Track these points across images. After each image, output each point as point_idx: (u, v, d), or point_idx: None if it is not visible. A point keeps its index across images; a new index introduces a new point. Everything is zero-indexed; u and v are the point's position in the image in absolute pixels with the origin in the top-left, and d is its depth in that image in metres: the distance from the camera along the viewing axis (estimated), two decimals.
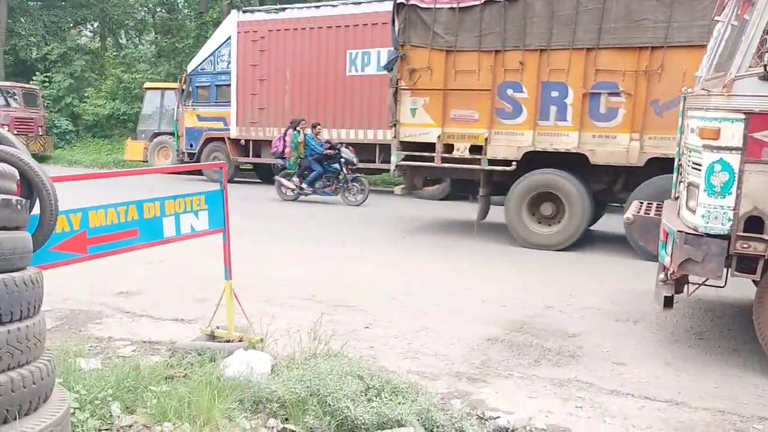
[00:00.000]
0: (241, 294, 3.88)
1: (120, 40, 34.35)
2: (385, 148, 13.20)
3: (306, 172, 12.36)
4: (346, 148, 12.47)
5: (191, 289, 5.27)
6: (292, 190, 12.50)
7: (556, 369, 3.77)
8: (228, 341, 3.75)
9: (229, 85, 15.58)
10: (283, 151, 12.49)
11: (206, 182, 15.04)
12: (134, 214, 3.23)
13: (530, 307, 5.08)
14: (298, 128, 12.41)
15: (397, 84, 8.36)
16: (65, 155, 23.17)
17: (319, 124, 12.91)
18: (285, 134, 12.54)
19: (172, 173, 16.25)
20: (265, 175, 16.50)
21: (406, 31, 8.26)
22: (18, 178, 2.53)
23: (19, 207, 2.35)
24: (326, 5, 14.79)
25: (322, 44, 14.34)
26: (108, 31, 33.45)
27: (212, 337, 3.87)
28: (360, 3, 14.13)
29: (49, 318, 4.51)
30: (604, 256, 7.48)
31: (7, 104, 21.63)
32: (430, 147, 8.32)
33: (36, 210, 2.64)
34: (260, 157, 15.46)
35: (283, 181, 12.63)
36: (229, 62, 15.55)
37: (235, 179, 15.61)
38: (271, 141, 14.17)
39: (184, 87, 16.69)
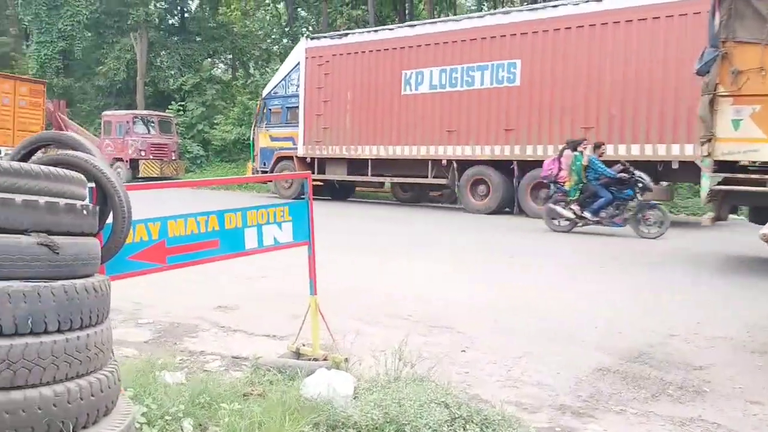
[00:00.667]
0: (339, 310, 3.72)
1: (249, 70, 36.13)
2: (437, 165, 14.37)
3: (589, 199, 10.56)
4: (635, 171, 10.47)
5: (288, 304, 5.17)
6: (571, 219, 10.70)
7: (678, 406, 3.28)
8: (314, 359, 3.58)
9: (297, 107, 16.61)
10: (557, 174, 10.73)
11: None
12: (215, 225, 3.15)
13: (650, 334, 4.56)
14: (578, 149, 10.63)
15: (714, 90, 6.98)
16: (195, 178, 24.46)
17: (603, 144, 11.15)
18: (560, 155, 10.85)
19: (247, 182, 17.12)
20: (334, 192, 17.53)
21: (730, 25, 6.88)
22: (88, 183, 2.49)
23: (85, 212, 2.29)
24: (384, 29, 15.76)
25: (380, 66, 15.04)
26: (238, 62, 35.27)
27: (297, 354, 3.72)
28: (414, 26, 15.14)
29: (149, 330, 4.57)
30: (740, 278, 6.70)
31: (147, 131, 23.20)
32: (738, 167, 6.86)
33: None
34: (324, 173, 16.20)
35: (558, 209, 10.78)
36: (298, 86, 16.67)
37: (302, 196, 16.06)
38: (333, 159, 15.49)
39: (259, 110, 17.99)
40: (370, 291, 5.78)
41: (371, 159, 15.58)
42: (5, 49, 38.47)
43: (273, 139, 17.61)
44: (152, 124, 23.59)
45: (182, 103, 28.82)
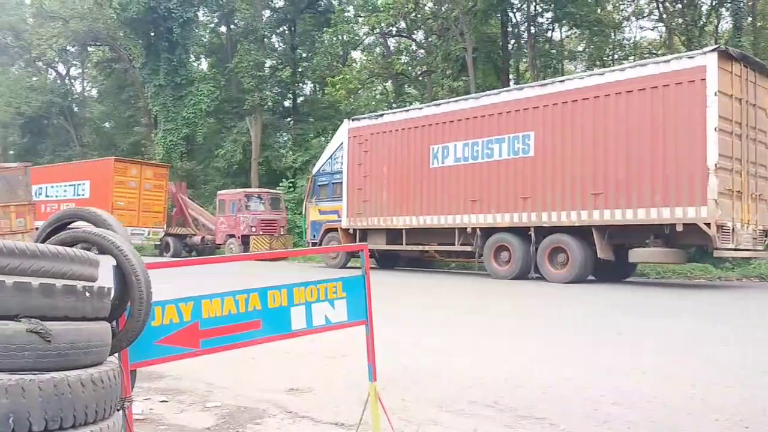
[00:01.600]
0: (418, 394, 3.31)
1: None
2: (463, 233, 15.16)
3: None
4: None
5: (365, 389, 4.80)
6: None
7: None
8: None
9: (341, 182, 18.00)
10: None
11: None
12: (256, 303, 2.87)
13: None
14: None
15: None
16: None
17: None
18: None
19: (298, 255, 17.83)
20: (379, 261, 18.41)
21: None
22: (97, 262, 2.30)
23: (87, 294, 2.08)
24: (413, 108, 17.39)
25: (411, 142, 16.26)
26: None
27: None
28: (440, 104, 16.45)
29: (214, 415, 4.32)
30: None
31: (258, 208, 24.06)
32: None
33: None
34: (367, 243, 16.38)
35: None
36: (342, 163, 18.07)
37: (348, 266, 17.62)
38: (373, 229, 16.95)
39: (310, 186, 19.62)
40: (450, 372, 5.28)
41: (405, 229, 16.53)
42: (138, 138, 41.91)
43: (321, 212, 19.05)
44: (263, 201, 24.47)
45: (293, 180, 29.84)
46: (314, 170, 19.91)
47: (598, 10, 25.39)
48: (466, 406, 4.35)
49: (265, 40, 36.32)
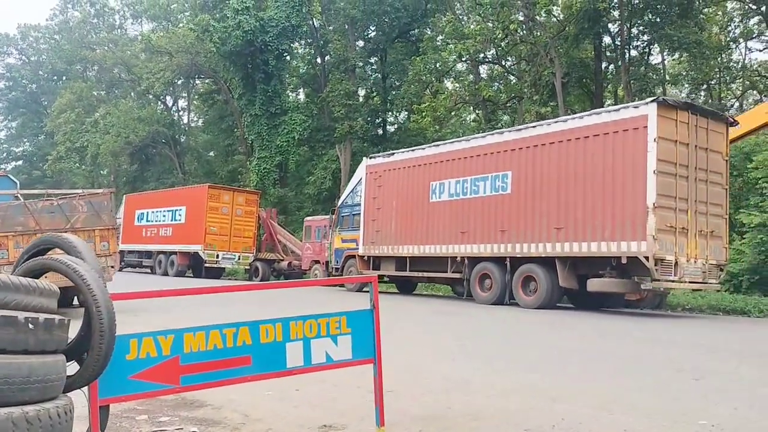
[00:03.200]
0: None
1: None
2: (455, 261, 16.77)
3: None
4: None
5: (405, 430, 4.52)
6: None
7: None
8: None
9: (359, 214, 19.83)
10: None
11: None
12: (246, 338, 2.70)
13: None
14: None
15: None
16: None
17: None
18: None
19: (314, 285, 18.71)
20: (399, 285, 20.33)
21: None
22: (53, 292, 2.19)
23: (30, 326, 1.96)
24: (418, 148, 19.14)
25: (415, 178, 17.98)
26: None
27: None
28: (439, 145, 18.40)
29: None
30: None
31: None
32: None
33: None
34: (379, 269, 19.02)
35: None
36: (360, 196, 19.95)
37: (365, 290, 17.54)
38: (384, 257, 18.91)
39: (336, 217, 21.55)
40: (495, 412, 4.89)
41: (408, 257, 18.17)
42: (235, 165, 43.55)
43: (343, 240, 20.96)
44: None
45: None
46: (339, 203, 22.00)
47: (699, 32, 24.13)
48: None
49: (357, 69, 36.98)
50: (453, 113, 29.56)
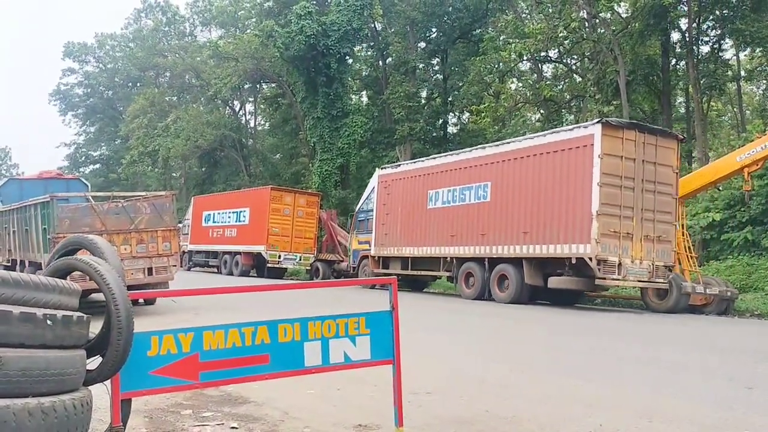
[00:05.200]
0: None
1: None
2: (446, 261, 18.65)
3: None
4: None
5: (437, 430, 4.53)
6: None
7: None
8: None
9: (372, 218, 21.88)
10: None
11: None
12: (264, 337, 2.79)
13: None
14: None
15: None
16: None
17: None
18: None
19: (333, 286, 18.22)
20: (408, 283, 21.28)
21: None
22: (74, 291, 2.32)
23: (49, 322, 2.10)
24: (419, 161, 21.52)
25: (417, 187, 19.91)
26: None
27: None
28: (436, 158, 20.63)
29: None
30: None
31: None
32: None
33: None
34: (388, 268, 20.84)
35: None
36: (373, 203, 22.02)
37: (377, 287, 19.35)
38: (391, 257, 21.01)
39: (354, 221, 23.78)
40: (534, 419, 4.83)
41: (410, 257, 20.15)
42: (299, 168, 44.29)
43: (360, 242, 23.00)
44: None
45: None
46: (357, 208, 24.19)
47: None
48: None
49: (417, 71, 37.01)
50: (514, 113, 29.13)
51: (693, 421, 4.77)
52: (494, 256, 16.92)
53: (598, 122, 14.81)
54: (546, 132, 17.20)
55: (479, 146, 19.45)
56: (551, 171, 15.48)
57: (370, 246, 21.75)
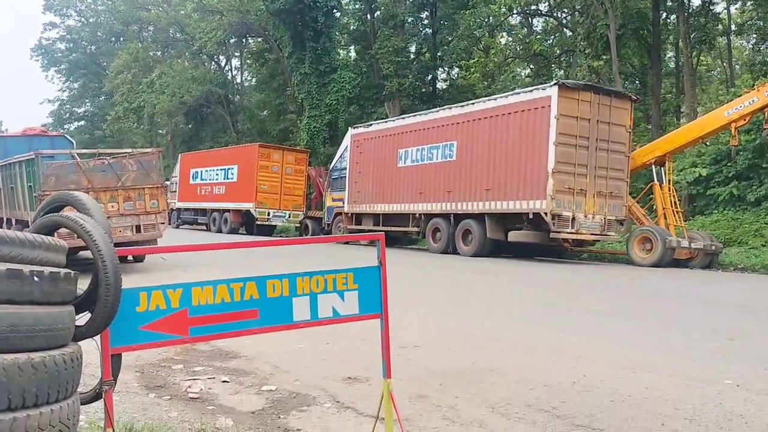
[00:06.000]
0: (476, 392, 3.08)
1: None
2: (415, 217, 19.63)
3: None
4: None
5: (425, 382, 4.62)
6: None
7: None
8: None
9: (346, 176, 22.58)
10: None
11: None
12: (253, 293, 2.80)
13: None
14: None
15: None
16: None
17: None
18: None
19: (319, 242, 18.74)
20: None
21: None
22: (60, 247, 2.31)
23: (36, 279, 2.10)
24: (389, 120, 22.40)
25: (387, 146, 20.58)
26: None
27: None
28: (405, 118, 21.46)
29: (265, 399, 4.35)
30: None
31: None
32: None
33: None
34: (361, 224, 21.82)
35: None
36: (347, 161, 22.66)
37: (349, 243, 20.85)
38: (364, 213, 21.81)
39: (328, 179, 24.47)
40: (520, 370, 4.93)
41: (381, 214, 20.99)
42: (287, 124, 43.87)
43: (333, 200, 23.87)
44: None
45: None
46: (331, 166, 24.89)
47: None
48: (522, 409, 4.05)
49: (406, 25, 36.43)
50: (504, 69, 28.86)
51: (676, 372, 4.89)
52: (459, 212, 17.80)
53: (554, 84, 15.65)
54: (508, 93, 17.93)
55: (446, 107, 20.13)
56: (512, 131, 16.24)
57: (343, 203, 22.66)
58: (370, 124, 22.75)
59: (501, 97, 17.72)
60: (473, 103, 18.42)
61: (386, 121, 22.19)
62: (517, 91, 17.68)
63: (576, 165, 15.38)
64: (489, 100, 18.00)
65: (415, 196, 19.34)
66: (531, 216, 15.76)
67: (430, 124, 19.11)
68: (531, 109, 15.77)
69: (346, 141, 23.21)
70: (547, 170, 15.15)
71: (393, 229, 20.57)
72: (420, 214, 19.35)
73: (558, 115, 15.03)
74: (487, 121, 17.00)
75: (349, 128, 23.64)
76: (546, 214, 15.12)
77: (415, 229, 19.90)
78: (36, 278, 2.09)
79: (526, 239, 16.21)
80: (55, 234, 2.51)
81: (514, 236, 16.41)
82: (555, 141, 15.03)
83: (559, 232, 15.31)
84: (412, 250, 19.87)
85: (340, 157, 23.70)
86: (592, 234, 15.90)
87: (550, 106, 15.19)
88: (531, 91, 16.48)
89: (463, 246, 17.60)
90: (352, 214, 22.31)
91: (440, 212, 18.52)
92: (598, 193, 15.74)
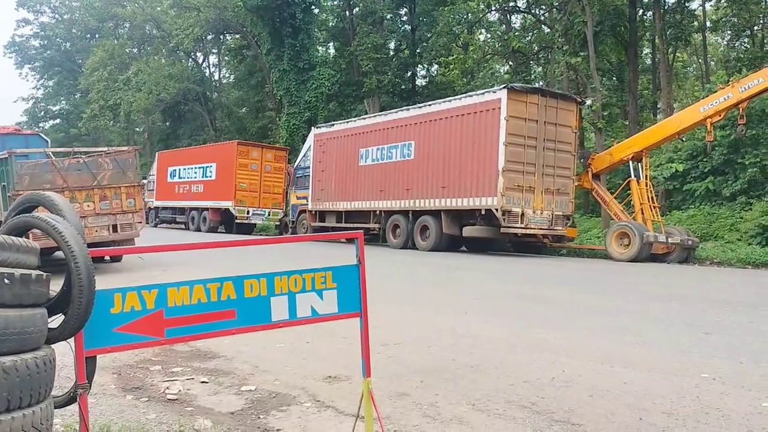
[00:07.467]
0: (455, 389, 3.07)
1: None
2: (375, 214, 20.24)
3: None
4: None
5: (406, 380, 4.62)
6: None
7: None
8: None
9: (309, 175, 23.08)
10: None
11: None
12: (230, 293, 2.77)
13: None
14: None
15: None
16: None
17: None
18: None
19: (294, 242, 18.06)
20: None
21: None
22: (32, 249, 2.26)
23: (6, 281, 2.05)
24: (351, 120, 22.94)
25: (349, 146, 21.21)
26: None
27: None
28: (366, 118, 22.48)
29: (244, 399, 4.32)
30: None
31: None
32: None
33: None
34: (324, 222, 22.43)
35: None
36: (310, 160, 23.18)
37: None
38: (327, 211, 22.32)
39: (292, 177, 25.14)
40: (501, 366, 4.95)
41: (344, 211, 21.58)
42: (265, 122, 43.63)
43: (297, 198, 24.35)
44: None
45: None
46: (295, 165, 25.27)
47: None
48: (501, 405, 4.05)
49: (385, 21, 36.38)
50: (482, 65, 28.93)
51: (653, 367, 4.94)
52: (417, 209, 18.55)
53: (504, 87, 16.35)
54: (461, 96, 18.59)
55: (405, 108, 21.04)
56: (465, 131, 16.98)
57: (307, 201, 23.21)
58: (333, 124, 23.39)
59: (455, 99, 18.41)
60: (430, 105, 19.13)
61: (348, 122, 22.95)
62: (470, 93, 18.52)
63: (525, 164, 16.19)
64: (444, 101, 18.71)
65: (376, 194, 20.01)
66: (483, 212, 16.50)
67: (390, 125, 19.78)
68: (483, 111, 16.54)
69: (310, 140, 23.77)
70: (497, 169, 15.89)
71: (355, 225, 21.10)
72: (380, 211, 20.02)
73: (507, 116, 15.82)
74: (443, 122, 17.73)
75: (313, 128, 24.33)
76: (497, 210, 15.89)
77: (376, 225, 20.46)
78: (6, 281, 2.05)
79: (479, 234, 17.01)
80: (30, 236, 2.46)
81: (468, 231, 17.17)
82: (505, 141, 15.80)
83: (510, 227, 16.08)
84: (374, 246, 20.17)
85: (304, 156, 24.24)
86: (540, 229, 16.63)
87: (500, 108, 15.94)
88: (483, 93, 17.27)
89: (421, 241, 18.29)
90: (315, 211, 22.84)
91: (399, 209, 19.19)
92: (545, 190, 16.53)
